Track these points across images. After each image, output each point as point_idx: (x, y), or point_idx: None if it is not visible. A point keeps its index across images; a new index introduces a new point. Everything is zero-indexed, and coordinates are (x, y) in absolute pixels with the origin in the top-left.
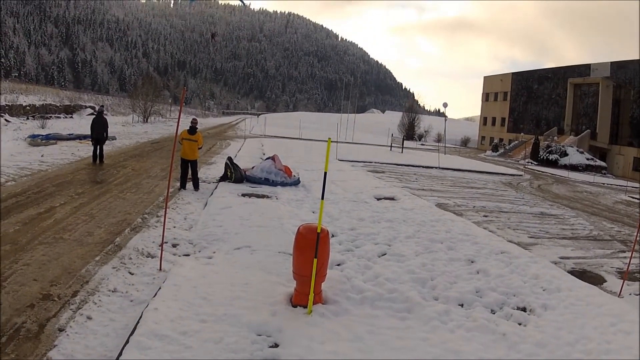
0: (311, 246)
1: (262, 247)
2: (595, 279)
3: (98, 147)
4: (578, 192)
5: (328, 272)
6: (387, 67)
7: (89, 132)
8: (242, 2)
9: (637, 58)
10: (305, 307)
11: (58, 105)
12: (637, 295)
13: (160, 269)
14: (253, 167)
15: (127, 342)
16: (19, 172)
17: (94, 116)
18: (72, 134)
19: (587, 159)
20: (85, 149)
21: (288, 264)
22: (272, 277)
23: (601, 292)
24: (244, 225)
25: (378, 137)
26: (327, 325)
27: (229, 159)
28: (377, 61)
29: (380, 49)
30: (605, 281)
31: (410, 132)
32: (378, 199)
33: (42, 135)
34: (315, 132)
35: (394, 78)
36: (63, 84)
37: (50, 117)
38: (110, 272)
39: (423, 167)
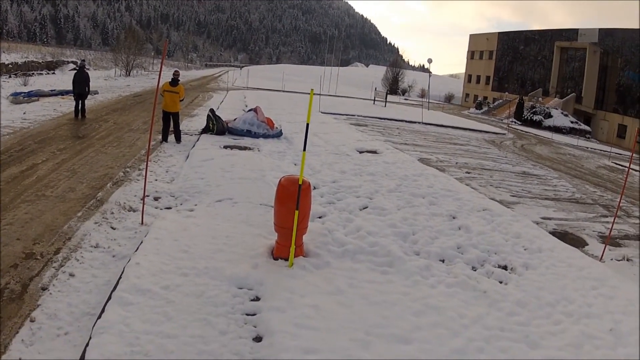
0: (292, 198)
1: (244, 200)
2: (576, 242)
3: (80, 102)
4: (561, 154)
5: (309, 224)
6: (372, 21)
7: (71, 88)
8: None
9: (626, 27)
10: (287, 259)
11: (40, 61)
12: (619, 260)
13: (142, 223)
14: (235, 119)
15: (109, 298)
16: (2, 131)
17: (75, 71)
18: (54, 90)
19: (572, 122)
20: (67, 105)
21: (269, 216)
22: (254, 229)
23: (583, 254)
24: (225, 177)
25: (361, 91)
26: (308, 278)
27: (211, 110)
28: (362, 15)
29: (366, 3)
30: (587, 244)
31: (394, 87)
32: (360, 152)
33: (24, 93)
34: (299, 84)
35: (379, 33)
36: (45, 40)
37: (33, 74)
38: (93, 227)
39: (406, 121)
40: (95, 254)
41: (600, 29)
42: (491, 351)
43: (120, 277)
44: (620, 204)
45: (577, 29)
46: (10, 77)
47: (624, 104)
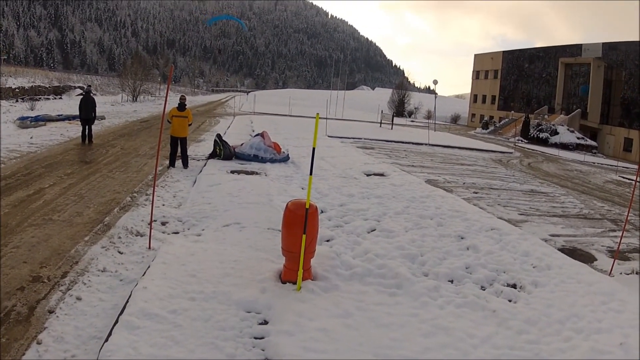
0: (300, 222)
1: (251, 224)
2: (585, 257)
3: (87, 127)
4: (568, 170)
5: (317, 248)
6: (377, 44)
7: (77, 113)
8: (241, 23)
9: (629, 40)
10: (295, 283)
11: (47, 86)
12: (627, 274)
13: (150, 248)
14: (242, 144)
15: (116, 321)
16: (8, 155)
17: (81, 97)
18: (61, 115)
19: (578, 138)
20: (74, 130)
21: (277, 241)
22: (261, 253)
23: (592, 270)
24: (233, 202)
25: (368, 114)
26: (316, 301)
27: (218, 135)
28: (367, 38)
29: (371, 26)
30: (596, 260)
31: (400, 109)
32: (367, 175)
33: (31, 117)
34: (305, 108)
35: (384, 55)
36: (52, 65)
37: (40, 98)
38: (100, 251)
39: (413, 143)
40: (103, 277)
41: (603, 43)
42: None
43: (127, 301)
44: (629, 218)
45: (581, 45)
46: (17, 101)
47: (629, 117)
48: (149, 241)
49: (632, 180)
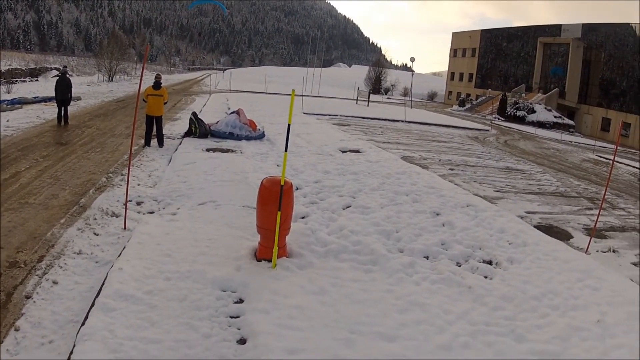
0: (275, 199)
1: (227, 202)
2: (561, 235)
3: (62, 108)
4: (545, 148)
5: (292, 225)
6: (354, 21)
7: (53, 94)
8: (222, 7)
9: (609, 22)
10: (270, 261)
11: (24, 69)
12: (604, 252)
13: (125, 228)
14: (217, 122)
15: (92, 304)
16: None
17: (57, 78)
18: (37, 97)
19: (555, 117)
20: (50, 111)
21: (252, 218)
22: (237, 231)
23: (568, 247)
24: (208, 180)
25: (344, 91)
26: (292, 278)
27: (194, 114)
28: (344, 16)
29: (348, 3)
30: (572, 237)
31: (376, 86)
32: (343, 152)
33: (7, 100)
34: (281, 86)
35: (361, 33)
36: (29, 47)
37: (16, 81)
38: (75, 234)
39: (389, 120)
40: (79, 260)
41: (583, 24)
42: (477, 346)
43: (103, 283)
44: (605, 196)
45: (560, 25)
46: None
47: (608, 97)
48: (125, 222)
49: (610, 159)
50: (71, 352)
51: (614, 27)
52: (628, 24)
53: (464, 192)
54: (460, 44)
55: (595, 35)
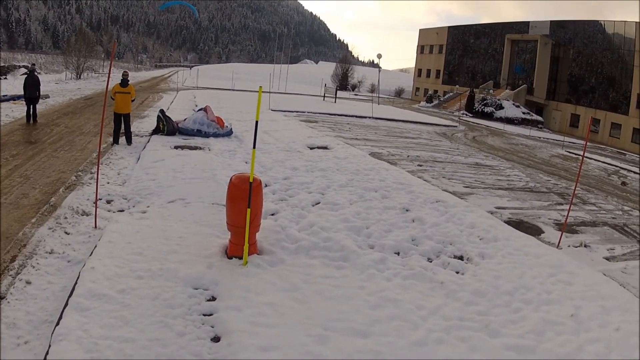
0: (244, 196)
1: (196, 199)
2: (532, 230)
3: (31, 106)
4: (514, 144)
5: (262, 222)
6: (321, 18)
7: (22, 93)
8: (193, 10)
9: (577, 19)
10: (241, 258)
11: None
12: (576, 247)
13: (96, 227)
14: (185, 119)
15: (66, 304)
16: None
17: (26, 76)
18: (5, 95)
19: (523, 113)
20: (19, 110)
21: (222, 216)
22: (207, 229)
23: (539, 242)
24: (177, 178)
25: (311, 88)
26: (263, 275)
27: (161, 111)
28: (311, 12)
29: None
30: (543, 232)
31: (343, 83)
32: (311, 148)
33: None
34: (248, 83)
35: (328, 29)
36: None
37: None
38: (47, 233)
39: (356, 116)
40: (51, 260)
41: (551, 21)
42: (451, 341)
43: (76, 283)
44: (576, 192)
45: (529, 22)
46: None
47: (577, 94)
48: (95, 220)
49: (579, 155)
50: (47, 353)
51: (583, 24)
52: (597, 21)
53: (433, 188)
54: (427, 41)
55: (564, 32)
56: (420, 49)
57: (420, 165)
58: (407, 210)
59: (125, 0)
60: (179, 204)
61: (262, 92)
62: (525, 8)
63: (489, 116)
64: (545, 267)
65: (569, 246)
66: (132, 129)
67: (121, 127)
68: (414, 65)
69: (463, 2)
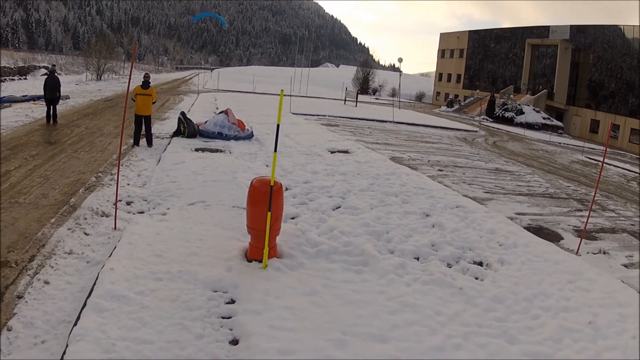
0: (265, 200)
1: (216, 202)
2: (552, 236)
3: (51, 107)
4: (534, 150)
5: (282, 225)
6: (342, 21)
7: (42, 93)
8: (222, 21)
9: (598, 23)
10: (261, 261)
11: (12, 67)
12: (595, 254)
13: (115, 228)
14: (206, 122)
15: (84, 305)
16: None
17: (46, 77)
18: (26, 96)
19: (544, 118)
20: (39, 110)
21: (242, 219)
22: (227, 232)
23: (558, 249)
24: (197, 180)
25: (332, 91)
26: (283, 279)
27: (182, 113)
28: (332, 16)
29: (336, 3)
30: (563, 239)
31: (364, 87)
32: (332, 152)
33: None
34: (269, 86)
35: (349, 33)
36: (17, 45)
37: (5, 79)
38: (66, 233)
39: (377, 121)
40: (70, 260)
41: (571, 26)
42: (469, 347)
43: (94, 284)
44: (595, 198)
45: (549, 26)
46: None
47: (596, 99)
48: (115, 221)
49: (599, 161)
50: (64, 353)
51: (603, 28)
52: (616, 25)
53: (453, 193)
54: (448, 45)
55: (584, 37)
56: (441, 53)
57: (441, 170)
58: (427, 216)
59: (145, 2)
60: (199, 206)
61: (283, 95)
62: (545, 11)
63: (509, 121)
64: (564, 274)
65: (587, 253)
66: (152, 131)
67: (142, 128)
68: (434, 70)
69: (484, 5)
